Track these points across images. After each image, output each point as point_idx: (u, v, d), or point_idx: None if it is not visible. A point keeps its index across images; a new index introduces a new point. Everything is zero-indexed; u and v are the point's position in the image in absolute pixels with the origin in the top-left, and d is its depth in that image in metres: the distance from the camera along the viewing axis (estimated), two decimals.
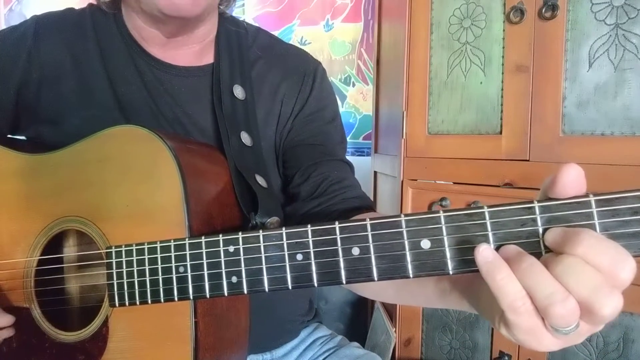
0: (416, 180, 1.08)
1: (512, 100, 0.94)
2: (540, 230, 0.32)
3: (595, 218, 0.31)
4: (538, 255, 0.31)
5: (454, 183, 1.03)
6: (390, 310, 1.22)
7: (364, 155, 1.74)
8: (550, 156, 0.89)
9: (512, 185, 0.93)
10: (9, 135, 0.67)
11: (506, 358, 0.94)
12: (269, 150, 0.67)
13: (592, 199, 0.31)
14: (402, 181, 1.10)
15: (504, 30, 0.95)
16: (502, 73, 0.95)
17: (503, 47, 0.95)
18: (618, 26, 0.81)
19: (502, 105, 0.96)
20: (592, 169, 0.84)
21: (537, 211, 0.32)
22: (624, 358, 0.81)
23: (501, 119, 0.96)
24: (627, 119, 0.82)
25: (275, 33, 0.77)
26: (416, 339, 1.11)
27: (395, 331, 1.12)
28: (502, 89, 0.95)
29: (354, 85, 1.77)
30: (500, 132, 0.96)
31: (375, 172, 1.52)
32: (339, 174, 0.65)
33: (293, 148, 0.68)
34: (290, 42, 0.77)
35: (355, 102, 1.78)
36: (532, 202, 0.32)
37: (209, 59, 0.67)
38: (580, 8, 0.85)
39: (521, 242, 0.32)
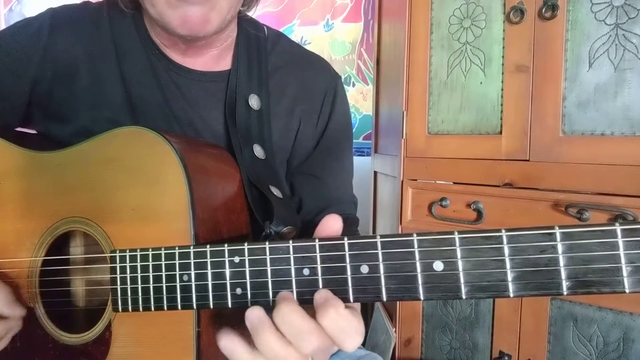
0: (416, 180, 1.08)
1: (512, 100, 0.94)
2: (561, 259, 0.30)
3: (621, 249, 0.29)
4: (557, 286, 0.30)
5: (454, 183, 1.03)
6: (390, 310, 1.22)
7: (364, 155, 1.74)
8: (550, 156, 0.89)
9: (512, 185, 0.94)
10: (18, 129, 0.66)
11: (506, 358, 0.95)
12: (282, 162, 0.67)
13: (617, 227, 0.29)
14: (402, 181, 1.10)
15: (504, 30, 0.95)
16: (502, 73, 0.95)
17: (503, 47, 0.95)
18: (618, 26, 0.81)
19: (502, 105, 0.96)
20: (592, 169, 0.84)
21: (558, 237, 0.31)
22: (624, 358, 0.82)
23: (501, 119, 0.96)
24: (627, 119, 0.82)
25: None
26: (416, 339, 1.11)
27: (395, 331, 1.13)
28: (502, 89, 0.95)
29: (354, 85, 1.77)
30: (500, 132, 0.96)
31: (375, 172, 1.52)
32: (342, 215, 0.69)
33: (307, 177, 0.69)
34: None
35: (355, 102, 1.78)
36: (553, 227, 0.31)
37: (227, 64, 0.66)
38: (580, 8, 0.85)
39: (539, 269, 0.31)
